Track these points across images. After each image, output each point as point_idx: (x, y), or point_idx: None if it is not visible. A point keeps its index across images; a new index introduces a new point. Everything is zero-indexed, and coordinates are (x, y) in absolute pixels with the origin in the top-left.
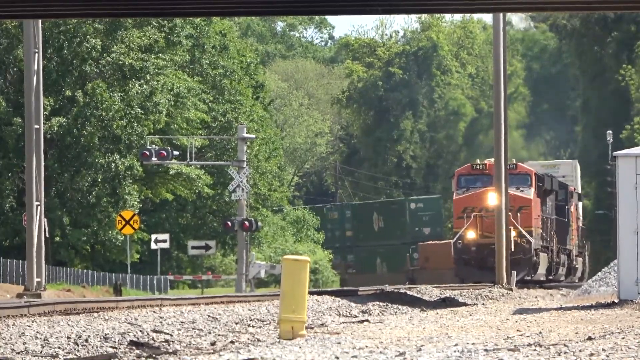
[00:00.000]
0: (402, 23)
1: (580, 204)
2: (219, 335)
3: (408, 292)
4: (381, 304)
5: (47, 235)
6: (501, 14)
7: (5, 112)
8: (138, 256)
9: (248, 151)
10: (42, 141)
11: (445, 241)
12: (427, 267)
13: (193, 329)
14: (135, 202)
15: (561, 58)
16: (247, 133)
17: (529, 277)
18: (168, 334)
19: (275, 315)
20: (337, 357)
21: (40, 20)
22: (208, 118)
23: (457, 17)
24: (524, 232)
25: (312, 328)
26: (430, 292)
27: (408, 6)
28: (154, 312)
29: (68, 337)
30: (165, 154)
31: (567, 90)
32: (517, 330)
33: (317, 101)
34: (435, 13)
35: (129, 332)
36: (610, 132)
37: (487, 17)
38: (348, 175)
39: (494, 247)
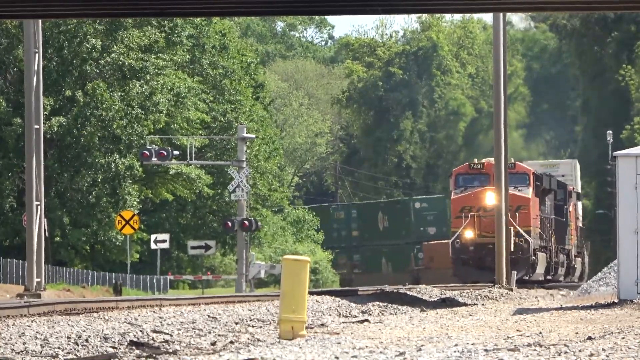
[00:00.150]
0: (402, 23)
1: (579, 204)
2: (219, 335)
3: (408, 292)
4: (381, 304)
5: (47, 235)
6: (501, 14)
7: (5, 112)
8: (138, 256)
9: (248, 151)
10: (42, 141)
11: (449, 241)
12: (432, 267)
13: (193, 329)
14: (135, 202)
15: (561, 58)
16: (247, 133)
17: (527, 277)
18: (168, 334)
19: (275, 315)
20: (337, 357)
21: (40, 20)
22: (208, 118)
23: (457, 17)
24: (522, 231)
25: (312, 328)
26: (430, 292)
27: (408, 6)
28: (154, 312)
29: (68, 337)
30: (165, 154)
31: (567, 90)
32: (517, 330)
33: (317, 101)
34: (435, 13)
35: (129, 332)
36: (610, 132)
37: (487, 17)
38: (348, 175)
39: (492, 247)
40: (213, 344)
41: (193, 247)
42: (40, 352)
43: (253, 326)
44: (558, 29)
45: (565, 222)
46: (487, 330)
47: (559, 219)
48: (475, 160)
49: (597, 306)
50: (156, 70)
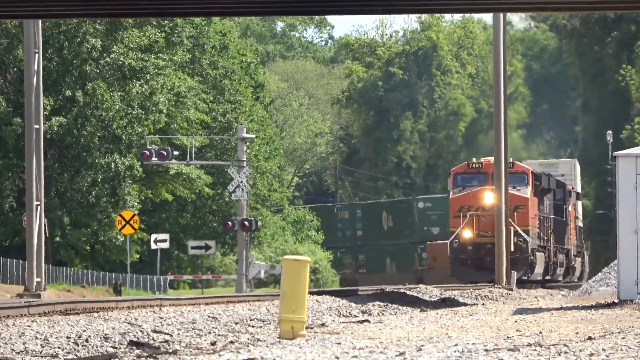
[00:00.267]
0: (402, 23)
1: (579, 203)
2: (219, 335)
3: (408, 292)
4: (381, 304)
5: (47, 235)
6: (501, 14)
7: (5, 112)
8: (138, 256)
9: (248, 151)
10: (42, 141)
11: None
12: (435, 267)
13: (193, 329)
14: (135, 202)
15: (561, 58)
16: (247, 133)
17: (526, 277)
18: (168, 334)
19: (275, 315)
20: (337, 357)
21: (40, 20)
22: (208, 118)
23: (457, 17)
24: (520, 231)
25: (312, 328)
26: (431, 292)
27: (408, 6)
28: (154, 312)
29: (68, 337)
30: (165, 154)
31: (567, 90)
32: (517, 330)
33: (317, 101)
34: (435, 13)
35: (129, 332)
36: (610, 132)
37: (487, 17)
38: (348, 175)
39: (490, 247)
40: (213, 343)
41: (193, 247)
42: (40, 352)
43: (253, 326)
44: (558, 29)
45: (565, 221)
46: (487, 330)
47: (558, 219)
48: (474, 160)
49: (597, 306)
50: (156, 70)
